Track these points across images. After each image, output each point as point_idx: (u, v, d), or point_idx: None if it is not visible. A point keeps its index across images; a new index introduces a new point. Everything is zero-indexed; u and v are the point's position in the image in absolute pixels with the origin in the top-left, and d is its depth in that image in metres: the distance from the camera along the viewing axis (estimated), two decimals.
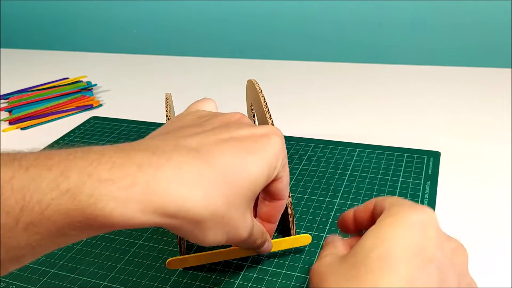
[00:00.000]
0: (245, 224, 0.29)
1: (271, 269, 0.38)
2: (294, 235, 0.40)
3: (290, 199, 0.38)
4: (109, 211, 0.22)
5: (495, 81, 0.70)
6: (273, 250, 0.39)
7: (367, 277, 0.24)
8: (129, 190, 0.23)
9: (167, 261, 0.36)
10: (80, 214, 0.22)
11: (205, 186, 0.25)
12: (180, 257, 0.37)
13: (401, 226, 0.26)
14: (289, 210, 0.39)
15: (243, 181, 0.28)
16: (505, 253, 0.37)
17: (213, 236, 0.27)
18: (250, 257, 0.39)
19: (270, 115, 0.40)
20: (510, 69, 0.74)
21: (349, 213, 0.33)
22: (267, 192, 0.34)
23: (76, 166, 0.22)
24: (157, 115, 0.67)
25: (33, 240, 0.22)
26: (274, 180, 0.32)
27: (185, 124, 0.32)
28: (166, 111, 0.42)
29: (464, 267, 0.28)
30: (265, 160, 0.29)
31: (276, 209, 0.35)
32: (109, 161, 0.23)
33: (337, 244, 0.31)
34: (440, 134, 0.56)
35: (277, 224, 0.36)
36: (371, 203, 0.31)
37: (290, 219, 0.39)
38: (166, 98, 0.45)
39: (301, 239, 0.39)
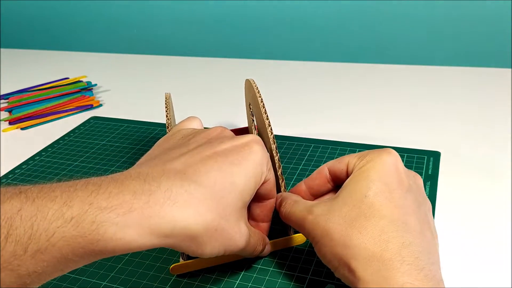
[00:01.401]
0: (239, 234, 0.31)
1: (271, 269, 0.38)
2: (291, 234, 0.40)
3: None
4: (110, 236, 0.24)
5: (495, 81, 0.70)
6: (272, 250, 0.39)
7: (371, 211, 0.29)
8: (127, 216, 0.25)
9: (171, 267, 0.37)
10: (83, 240, 0.24)
11: (195, 204, 0.27)
12: (183, 262, 0.37)
13: (381, 167, 0.31)
14: None
15: (231, 193, 0.30)
16: (505, 253, 0.37)
17: (210, 249, 0.29)
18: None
19: (267, 115, 0.40)
20: (510, 69, 0.74)
21: (300, 186, 0.37)
22: (257, 194, 0.35)
23: (77, 197, 0.24)
24: (157, 115, 0.67)
25: (40, 267, 0.23)
26: (263, 183, 0.34)
27: (170, 146, 0.34)
28: (166, 111, 0.42)
29: (422, 187, 0.34)
30: (250, 169, 0.31)
31: (268, 208, 0.37)
32: (106, 192, 0.25)
33: (297, 199, 0.35)
34: (440, 134, 0.56)
35: (270, 223, 0.38)
36: (322, 169, 0.36)
37: None
38: (166, 98, 0.45)
39: (295, 239, 0.40)
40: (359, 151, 0.53)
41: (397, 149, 0.52)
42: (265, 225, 0.37)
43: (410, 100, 0.66)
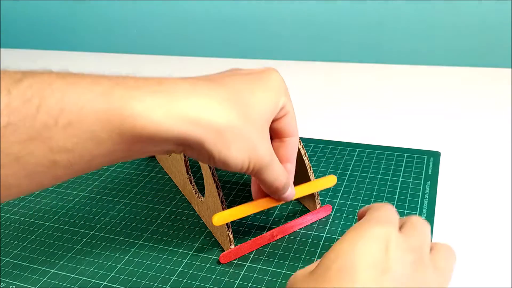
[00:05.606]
0: (264, 148, 0.30)
1: (271, 269, 0.38)
2: (318, 203, 0.42)
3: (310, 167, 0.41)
4: (138, 112, 0.25)
5: (495, 81, 0.70)
6: (300, 195, 0.39)
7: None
8: (154, 95, 0.25)
9: (213, 217, 0.36)
10: (113, 115, 0.24)
11: (219, 99, 0.28)
12: (221, 212, 0.36)
13: (362, 239, 0.26)
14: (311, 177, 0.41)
15: (253, 105, 0.30)
16: (505, 253, 0.37)
17: (236, 151, 0.28)
18: (250, 257, 0.39)
19: None
20: (510, 69, 0.74)
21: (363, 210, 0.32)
22: (277, 130, 0.35)
23: (104, 77, 0.25)
24: None
25: (70, 143, 0.24)
26: (281, 116, 0.33)
27: None
28: None
29: (425, 280, 0.26)
30: (269, 90, 0.32)
31: (290, 147, 0.35)
32: (133, 78, 0.26)
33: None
34: (440, 134, 0.56)
35: (295, 165, 0.36)
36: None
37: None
38: None
39: (327, 181, 0.40)
40: (358, 151, 0.53)
41: (397, 149, 0.53)
42: (288, 166, 0.35)
43: (410, 100, 0.66)
